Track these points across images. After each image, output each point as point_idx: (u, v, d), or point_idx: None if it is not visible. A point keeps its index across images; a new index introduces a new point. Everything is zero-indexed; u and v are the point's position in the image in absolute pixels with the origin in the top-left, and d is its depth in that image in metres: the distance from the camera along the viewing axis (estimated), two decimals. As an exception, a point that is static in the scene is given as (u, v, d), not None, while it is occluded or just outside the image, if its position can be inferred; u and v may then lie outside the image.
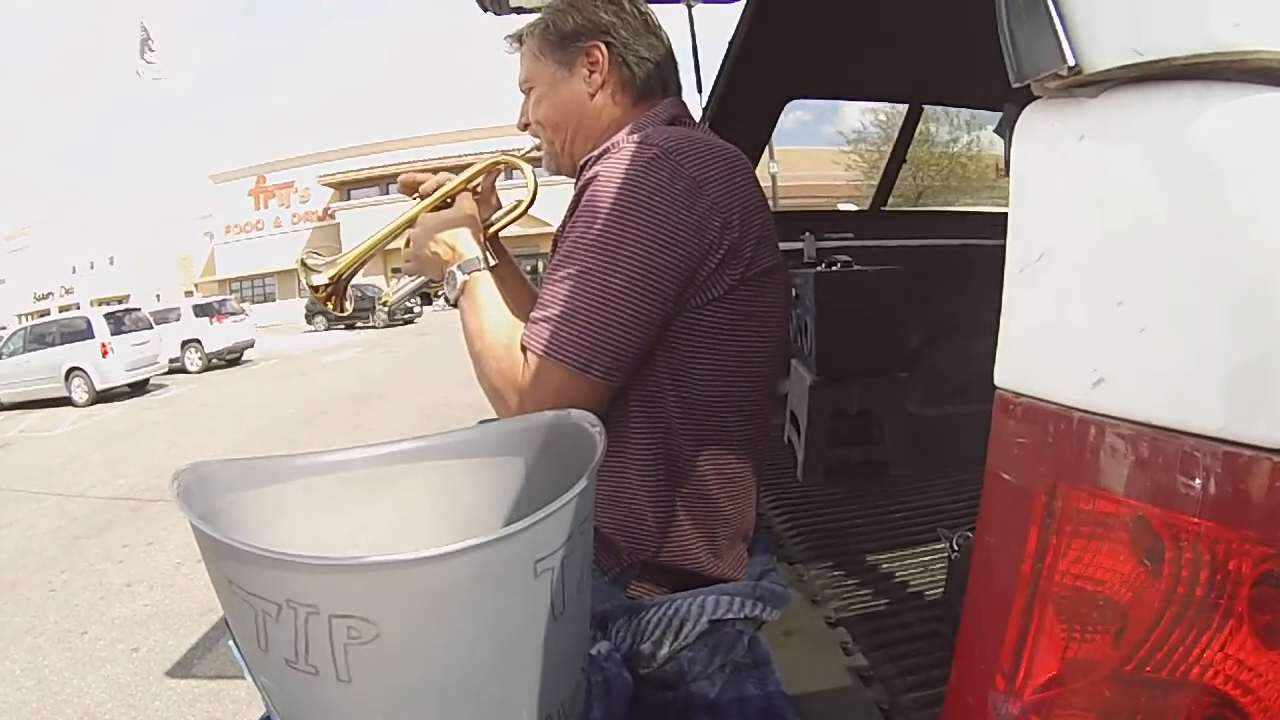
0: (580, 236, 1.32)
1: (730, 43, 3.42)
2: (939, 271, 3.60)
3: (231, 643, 0.95)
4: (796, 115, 3.85)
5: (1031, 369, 0.67)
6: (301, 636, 0.81)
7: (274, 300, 44.78)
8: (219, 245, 47.69)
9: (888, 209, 4.40)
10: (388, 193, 38.82)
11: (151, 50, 42.55)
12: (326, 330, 28.89)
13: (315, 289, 1.62)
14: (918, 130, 4.25)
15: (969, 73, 3.48)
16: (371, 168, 42.08)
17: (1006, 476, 0.69)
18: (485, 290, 1.45)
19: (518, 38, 1.64)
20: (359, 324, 27.78)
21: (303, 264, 1.62)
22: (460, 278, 1.46)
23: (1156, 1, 0.59)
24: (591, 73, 1.55)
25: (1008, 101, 0.68)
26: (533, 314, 1.35)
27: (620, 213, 1.30)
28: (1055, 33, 0.62)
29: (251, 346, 22.55)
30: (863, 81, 3.92)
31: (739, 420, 1.45)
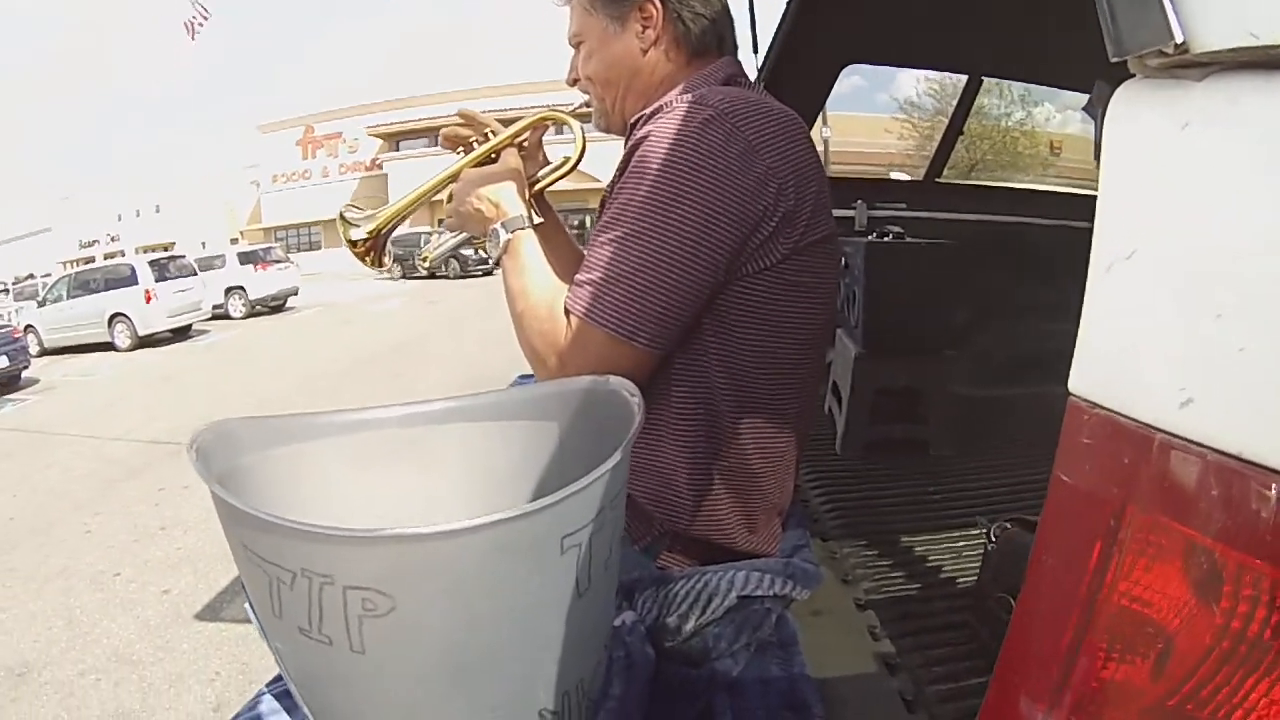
0: (629, 198, 1.28)
1: (788, 2, 3.34)
2: (992, 249, 3.56)
3: (247, 604, 0.94)
4: (851, 80, 3.78)
5: (1112, 379, 0.62)
6: (316, 606, 0.79)
7: (319, 249, 44.97)
8: (265, 194, 47.83)
9: (942, 180, 4.31)
10: (436, 144, 38.59)
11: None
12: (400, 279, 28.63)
13: (353, 243, 1.59)
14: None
15: (1032, 47, 3.47)
16: (419, 119, 41.88)
17: (1074, 488, 0.64)
18: (529, 249, 1.42)
19: None
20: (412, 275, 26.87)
21: (341, 217, 1.59)
22: (504, 235, 1.43)
23: None
24: (645, 28, 1.49)
25: (1097, 79, 0.62)
26: (578, 276, 1.31)
27: (672, 174, 1.24)
28: (1162, 5, 0.56)
29: (295, 294, 22.78)
30: (923, 49, 3.83)
31: (784, 393, 1.40)
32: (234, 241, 39.38)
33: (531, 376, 1.47)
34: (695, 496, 1.37)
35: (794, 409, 1.44)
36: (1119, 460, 0.60)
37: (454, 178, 1.55)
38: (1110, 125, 0.63)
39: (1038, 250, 3.68)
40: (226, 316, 20.54)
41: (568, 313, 1.30)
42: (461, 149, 1.60)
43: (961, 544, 2.28)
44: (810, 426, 1.54)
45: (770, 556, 1.45)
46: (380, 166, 43.31)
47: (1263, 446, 0.51)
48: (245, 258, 21.84)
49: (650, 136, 1.29)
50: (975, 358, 3.44)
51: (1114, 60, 0.62)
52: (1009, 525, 1.73)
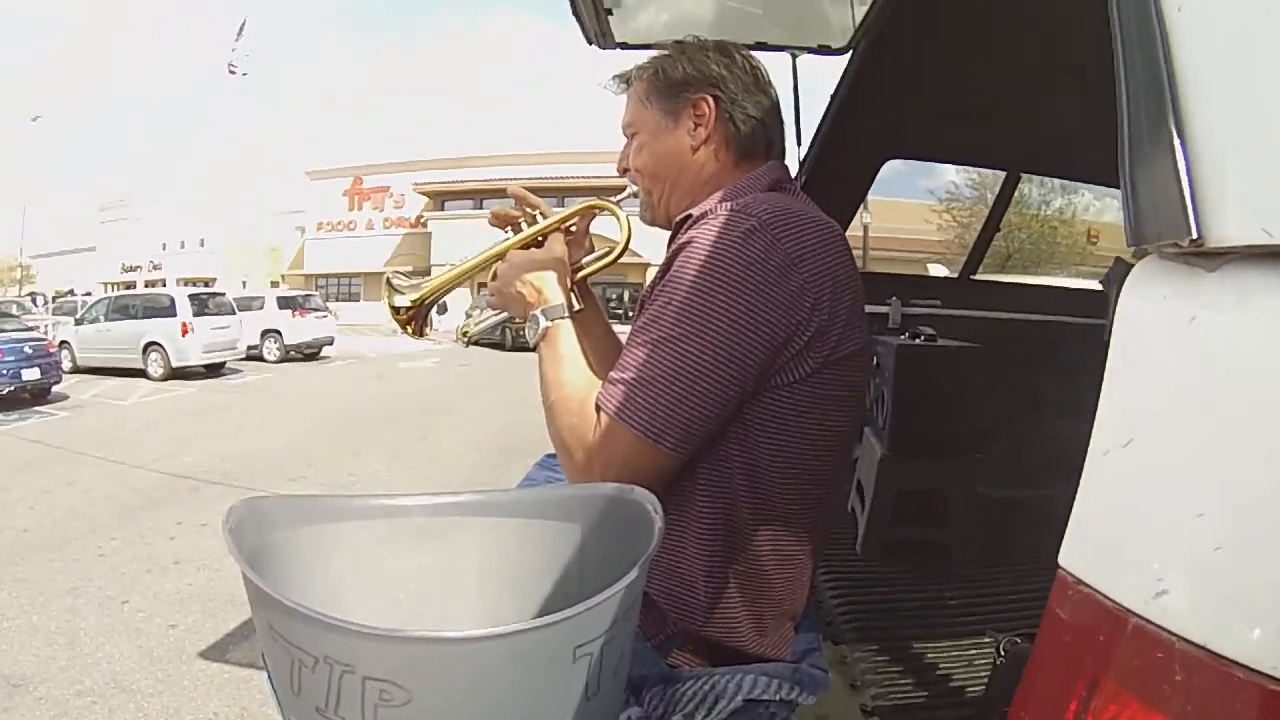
0: (667, 302, 1.31)
1: (832, 97, 3.42)
2: (1026, 348, 3.57)
3: (267, 675, 0.97)
4: (891, 165, 3.82)
5: (1097, 559, 0.64)
6: (334, 690, 0.82)
7: (358, 300, 45.48)
8: (310, 240, 48.63)
9: (977, 278, 4.34)
10: (480, 206, 39.30)
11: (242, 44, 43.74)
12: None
13: (396, 310, 1.63)
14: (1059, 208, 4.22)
15: (1069, 144, 3.51)
16: (465, 181, 42.55)
17: (1055, 653, 0.67)
18: (566, 339, 1.45)
19: (625, 79, 1.64)
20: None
21: (388, 283, 1.64)
22: (543, 323, 1.47)
23: None
24: (697, 125, 1.54)
25: (1116, 257, 0.62)
26: (612, 374, 1.34)
27: (710, 283, 1.28)
28: (1182, 196, 0.58)
29: (331, 344, 23.05)
30: (961, 145, 3.90)
31: (805, 502, 1.42)
32: (274, 285, 40.03)
33: (556, 482, 1.49)
34: (710, 599, 1.39)
35: (814, 517, 1.46)
36: (1096, 636, 0.63)
37: (500, 257, 1.60)
38: (1124, 305, 0.65)
39: (1071, 349, 3.66)
40: (260, 359, 20.82)
41: (598, 409, 1.33)
42: (510, 229, 1.64)
43: (973, 653, 2.27)
44: (828, 531, 1.56)
45: (781, 660, 1.46)
46: (425, 224, 43.99)
47: (1228, 640, 0.54)
48: (284, 302, 22.20)
49: (693, 242, 1.33)
50: (1002, 461, 3.43)
51: (1130, 246, 0.64)
52: (1018, 640, 1.72)
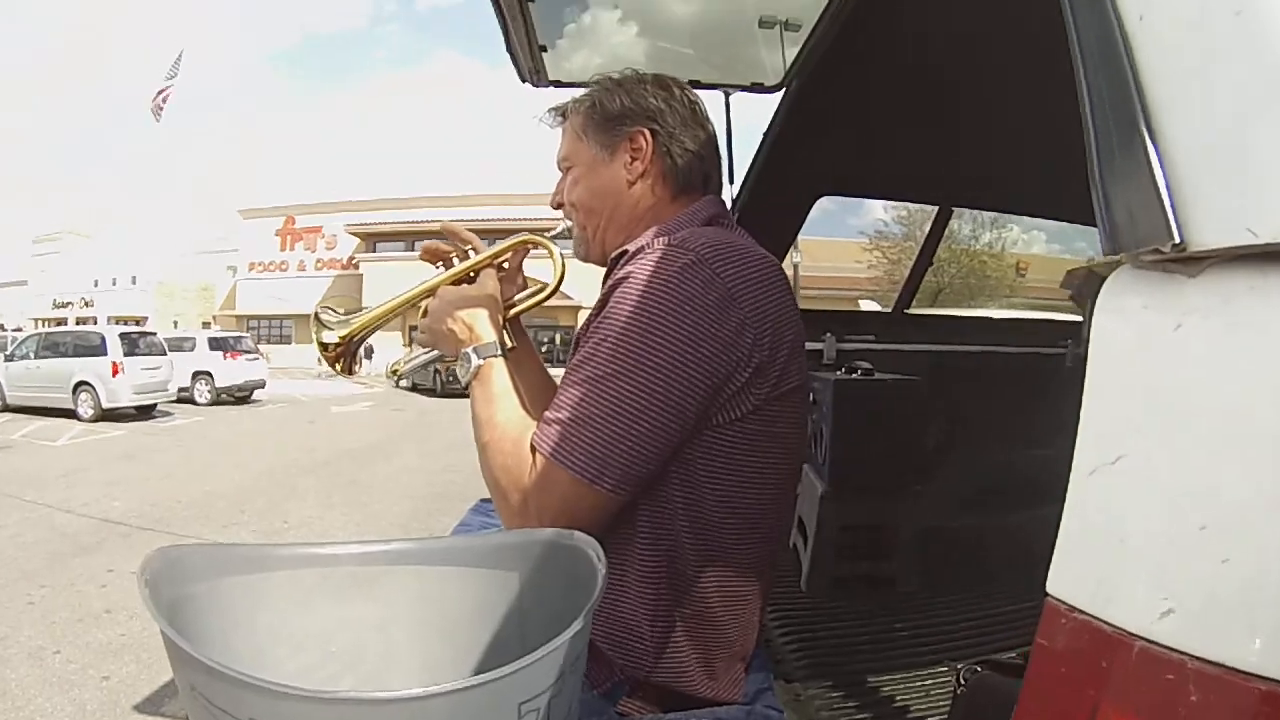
0: (603, 338, 1.27)
1: (765, 134, 3.42)
2: (961, 378, 3.60)
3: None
4: (821, 205, 3.84)
5: (1091, 584, 0.61)
6: None
7: (290, 343, 44.98)
8: (241, 280, 48.16)
9: (911, 312, 4.37)
10: (412, 248, 39.10)
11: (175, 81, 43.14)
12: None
13: (324, 346, 1.57)
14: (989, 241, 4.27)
15: (998, 177, 3.58)
16: (398, 222, 42.54)
17: (1049, 690, 0.64)
18: (499, 378, 1.41)
19: (562, 112, 1.61)
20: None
21: (315, 317, 1.57)
22: (475, 361, 1.42)
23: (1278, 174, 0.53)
24: (633, 159, 1.51)
25: (1087, 269, 0.60)
26: (547, 414, 1.30)
27: (648, 319, 1.24)
28: (1161, 202, 0.57)
29: (262, 387, 22.65)
30: (893, 182, 3.93)
31: (749, 540, 1.39)
32: (206, 325, 39.32)
33: (491, 529, 1.43)
34: (657, 644, 1.34)
35: (759, 555, 1.42)
36: (1096, 664, 0.59)
37: (431, 293, 1.55)
38: (1100, 320, 0.63)
39: (1006, 377, 3.75)
40: (192, 401, 20.33)
41: (534, 449, 1.28)
42: (441, 264, 1.59)
43: (929, 683, 2.26)
44: (773, 573, 1.52)
45: (734, 703, 1.42)
46: (357, 266, 43.76)
47: (1247, 654, 0.51)
48: (216, 343, 21.79)
49: (630, 278, 1.29)
50: (943, 491, 3.44)
51: (1107, 256, 0.62)
52: (978, 669, 1.69)
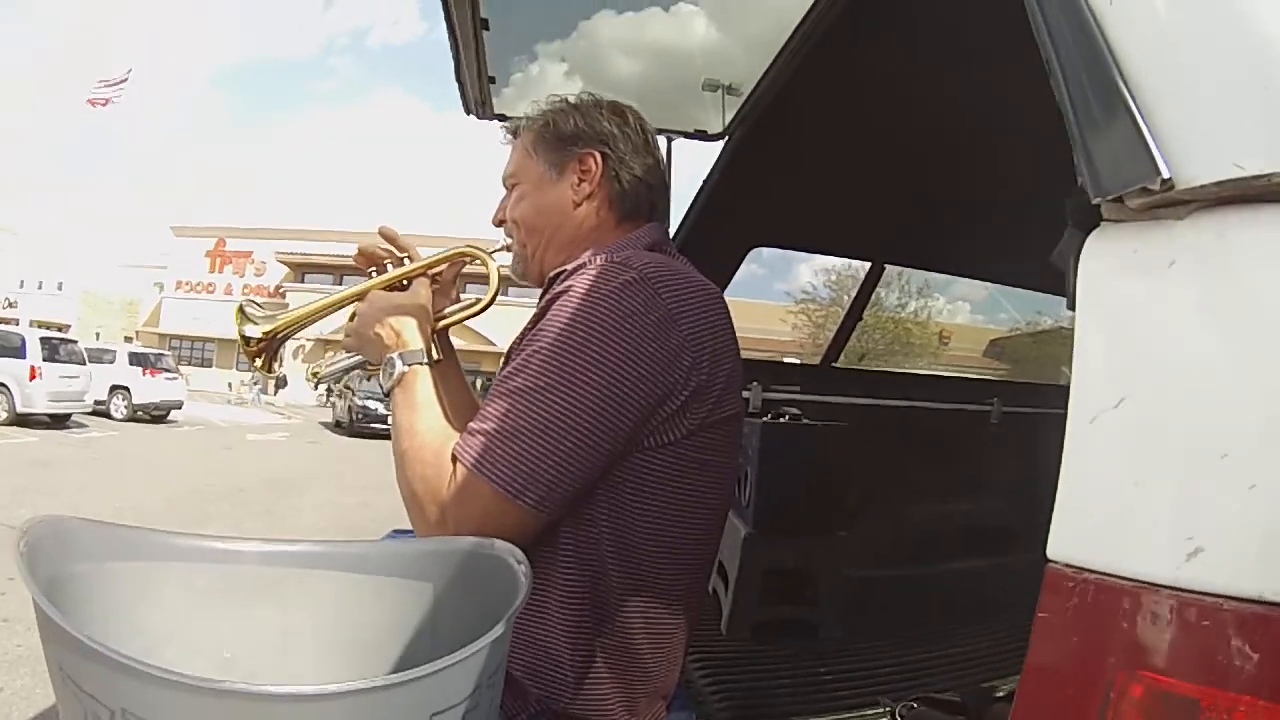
0: (538, 350, 1.21)
1: (704, 181, 3.40)
2: (886, 432, 3.59)
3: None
4: (749, 269, 3.82)
5: (1101, 539, 0.57)
6: None
7: (210, 366, 44.02)
8: (167, 298, 46.92)
9: (838, 366, 4.37)
10: (340, 283, 38.61)
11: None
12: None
13: (246, 340, 1.51)
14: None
15: (934, 235, 3.61)
16: (328, 255, 41.97)
17: (1058, 666, 0.59)
18: (423, 386, 1.34)
19: (514, 129, 1.57)
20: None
21: (240, 310, 1.51)
22: (399, 367, 1.35)
23: (1264, 108, 0.53)
24: (581, 181, 1.47)
25: (1068, 227, 0.59)
26: (471, 424, 1.23)
27: (586, 333, 1.19)
28: (1145, 142, 0.57)
29: (180, 408, 22.08)
30: (828, 236, 3.92)
31: (676, 572, 1.33)
32: (128, 339, 38.23)
33: (408, 531, 1.40)
34: (577, 674, 1.26)
35: (685, 587, 1.36)
36: (1115, 626, 0.55)
37: (361, 296, 1.49)
38: (1086, 272, 0.62)
39: (930, 433, 3.81)
40: (107, 415, 19.62)
41: (455, 460, 1.21)
42: (374, 269, 1.53)
43: None
44: (698, 609, 1.46)
45: None
46: (283, 295, 43.01)
47: None
48: (136, 359, 21.20)
49: (569, 292, 1.25)
50: (867, 539, 3.40)
51: (1096, 201, 0.61)
52: (915, 705, 1.68)
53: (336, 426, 24.72)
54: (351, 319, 1.48)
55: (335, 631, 1.04)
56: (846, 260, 4.71)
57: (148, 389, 20.59)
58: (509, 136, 1.58)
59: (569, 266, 1.39)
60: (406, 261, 1.53)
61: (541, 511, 1.18)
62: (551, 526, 1.24)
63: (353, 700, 0.65)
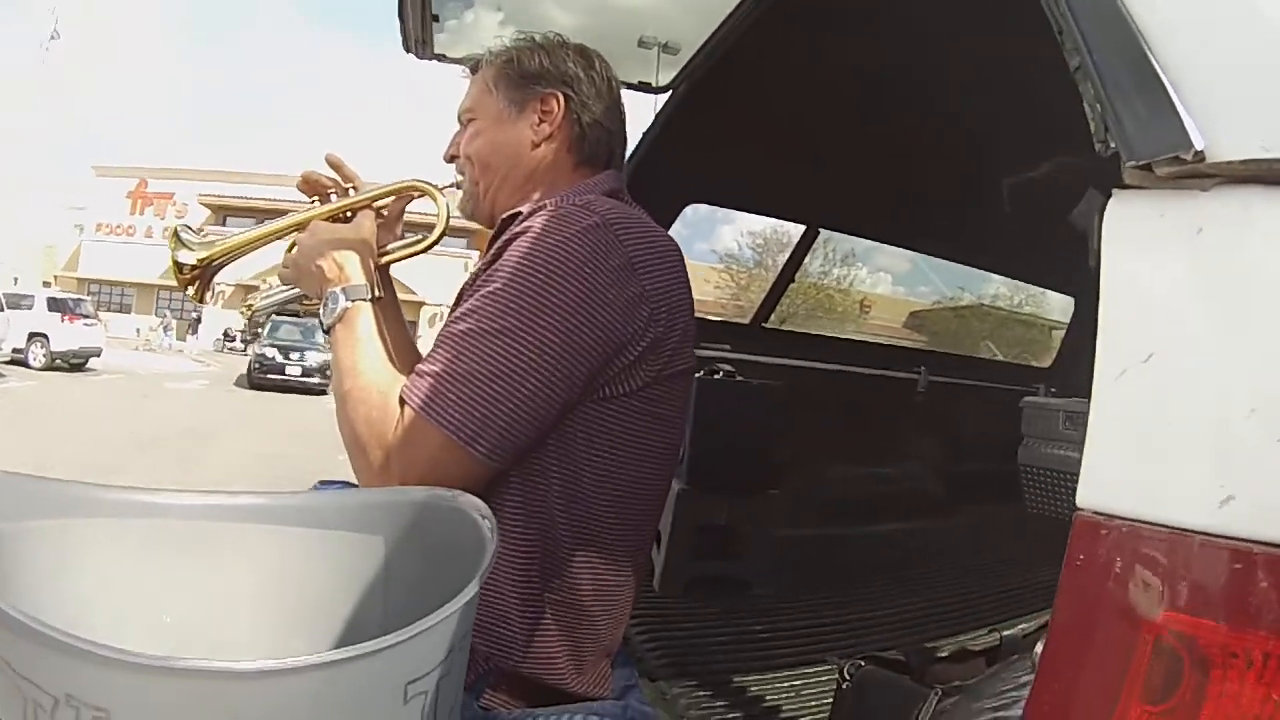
0: (493, 293, 1.14)
1: (645, 134, 3.34)
2: (816, 394, 3.62)
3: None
4: (675, 230, 3.78)
5: (1132, 487, 0.59)
6: None
7: (130, 312, 42.44)
8: (87, 241, 44.86)
9: (768, 326, 4.36)
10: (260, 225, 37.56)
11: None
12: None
13: (179, 266, 1.40)
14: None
15: (869, 203, 3.67)
16: (251, 197, 40.44)
17: (1091, 613, 0.60)
18: (365, 323, 1.26)
19: (475, 64, 1.50)
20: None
21: (175, 235, 1.41)
22: (342, 302, 1.27)
23: None
24: (541, 121, 1.40)
25: (1089, 189, 0.59)
26: (421, 365, 1.16)
27: (546, 277, 1.13)
28: (1178, 115, 0.59)
29: (98, 355, 21.22)
30: (764, 198, 3.90)
31: (625, 528, 1.28)
32: (47, 285, 36.66)
33: (335, 482, 1.35)
34: (526, 632, 1.21)
35: (633, 544, 1.32)
36: (1150, 570, 0.57)
37: (301, 227, 1.40)
38: (1111, 233, 0.63)
39: (859, 398, 3.83)
40: (25, 364, 18.74)
41: (402, 403, 1.14)
42: (317, 198, 1.44)
43: (798, 683, 2.23)
44: (645, 566, 1.43)
45: (603, 698, 1.29)
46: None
47: None
48: (54, 305, 20.20)
49: (527, 233, 1.18)
50: (797, 498, 3.43)
51: (1131, 165, 0.62)
52: (862, 663, 1.65)
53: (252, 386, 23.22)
54: (290, 249, 1.40)
55: (278, 591, 0.96)
56: (771, 225, 4.71)
57: (67, 336, 19.71)
58: (467, 71, 1.51)
59: (524, 208, 1.33)
60: (351, 192, 1.44)
61: (492, 460, 1.12)
62: (499, 477, 1.18)
63: (325, 673, 0.58)
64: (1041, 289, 5.20)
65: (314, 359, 20.95)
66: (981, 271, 5.02)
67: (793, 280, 4.31)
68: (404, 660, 0.63)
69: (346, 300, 1.26)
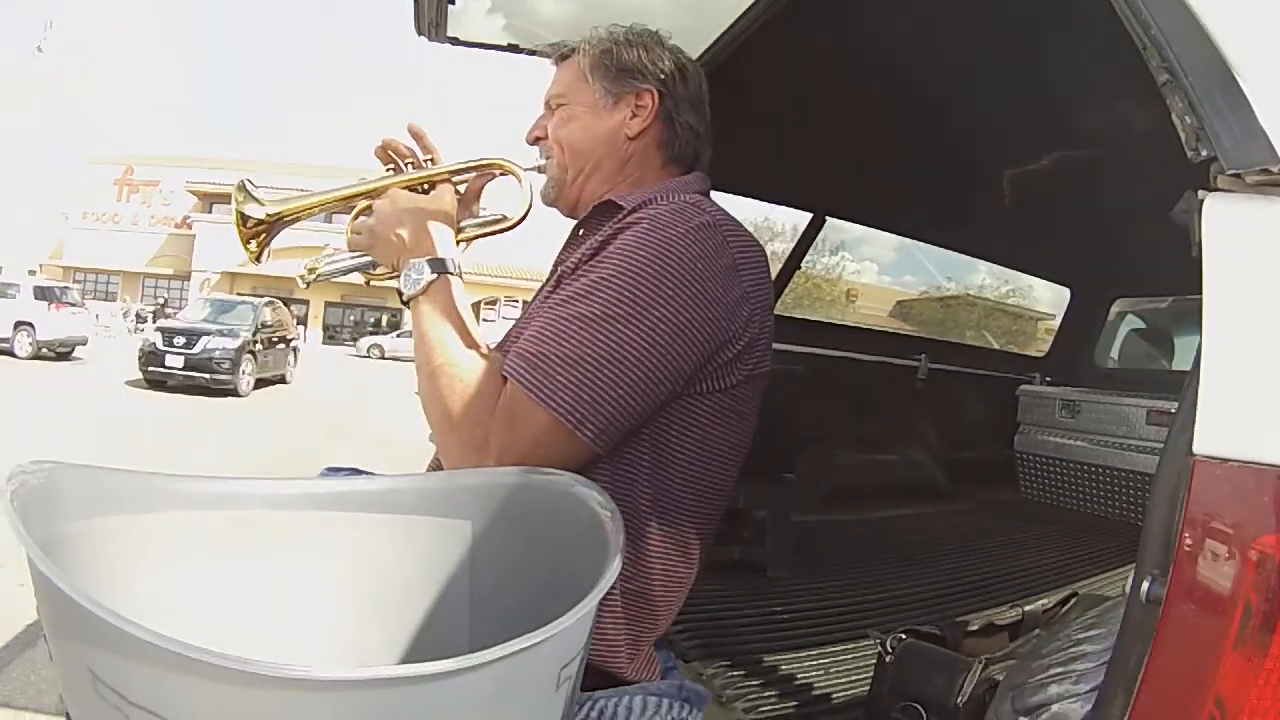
0: (606, 278, 1.14)
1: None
2: (822, 378, 3.61)
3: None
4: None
5: (1244, 435, 0.68)
6: None
7: (114, 300, 41.82)
8: (74, 229, 44.19)
9: (777, 313, 4.36)
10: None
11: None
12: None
13: (244, 219, 1.34)
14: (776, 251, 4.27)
15: (875, 192, 3.71)
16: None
17: (1211, 548, 0.68)
18: (452, 297, 1.23)
19: (566, 50, 1.49)
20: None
21: (241, 188, 1.36)
22: (428, 274, 1.23)
23: None
24: (635, 115, 1.41)
25: (1187, 190, 0.75)
26: (524, 345, 1.14)
27: (661, 268, 1.13)
28: (1268, 137, 0.71)
29: (85, 344, 20.68)
30: (775, 185, 3.89)
31: (700, 520, 1.28)
32: (32, 273, 36.16)
33: (341, 470, 1.33)
34: (596, 619, 1.18)
35: (703, 537, 1.31)
36: (1261, 504, 0.66)
37: (379, 193, 1.36)
38: (1210, 227, 0.73)
39: (862, 383, 3.88)
40: (10, 354, 18.29)
41: (505, 381, 1.12)
42: (392, 167, 1.41)
43: (825, 661, 2.25)
44: (705, 558, 1.40)
45: (659, 681, 1.28)
46: (190, 226, 40.99)
47: None
48: (41, 293, 19.60)
49: (642, 223, 1.18)
50: (811, 483, 3.46)
51: (1230, 172, 0.72)
52: (903, 636, 1.69)
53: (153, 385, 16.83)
54: (356, 216, 1.38)
55: (353, 583, 0.93)
56: (764, 213, 4.72)
57: (53, 324, 19.26)
58: (558, 58, 1.50)
59: (629, 199, 1.34)
60: (430, 165, 1.41)
61: (597, 445, 1.11)
62: (591, 463, 1.16)
63: (500, 668, 0.55)
64: (1034, 280, 5.23)
65: (218, 346, 15.74)
66: (976, 262, 5.05)
67: (799, 267, 4.31)
68: (562, 646, 0.62)
69: (432, 272, 1.23)
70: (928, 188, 3.56)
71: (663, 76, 1.41)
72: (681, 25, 2.91)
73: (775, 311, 4.02)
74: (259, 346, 16.98)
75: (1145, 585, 0.70)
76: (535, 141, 1.47)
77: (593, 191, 1.42)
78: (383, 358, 33.29)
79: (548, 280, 1.39)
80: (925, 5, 2.38)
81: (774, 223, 4.64)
